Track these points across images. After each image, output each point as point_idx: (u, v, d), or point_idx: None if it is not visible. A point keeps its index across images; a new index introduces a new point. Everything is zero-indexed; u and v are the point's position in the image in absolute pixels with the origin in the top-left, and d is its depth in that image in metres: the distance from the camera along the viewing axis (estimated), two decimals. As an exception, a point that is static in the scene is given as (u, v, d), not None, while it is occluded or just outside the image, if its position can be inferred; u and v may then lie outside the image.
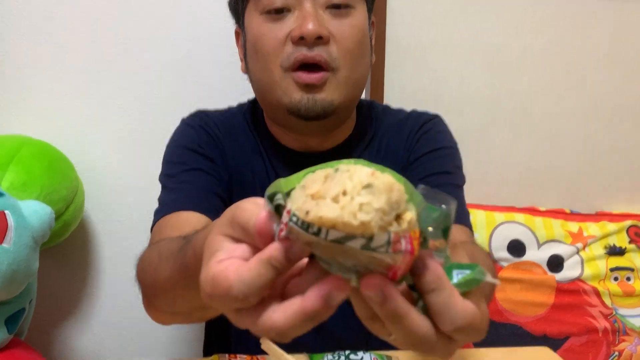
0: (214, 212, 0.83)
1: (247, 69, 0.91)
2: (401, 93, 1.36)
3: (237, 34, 0.96)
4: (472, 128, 1.39)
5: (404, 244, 0.32)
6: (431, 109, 1.34)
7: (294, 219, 0.33)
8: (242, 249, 0.38)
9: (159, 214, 0.84)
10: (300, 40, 0.80)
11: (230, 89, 1.31)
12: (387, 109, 1.03)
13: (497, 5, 1.36)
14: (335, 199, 0.31)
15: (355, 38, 0.83)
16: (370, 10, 0.90)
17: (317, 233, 0.32)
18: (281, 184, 0.37)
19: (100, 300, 1.35)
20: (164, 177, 0.91)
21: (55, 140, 1.27)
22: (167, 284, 0.59)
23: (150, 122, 1.30)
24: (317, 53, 0.80)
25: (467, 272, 0.38)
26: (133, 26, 1.28)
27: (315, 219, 0.31)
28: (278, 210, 0.36)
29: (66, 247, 1.31)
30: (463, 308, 0.36)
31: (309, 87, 0.81)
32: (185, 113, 1.26)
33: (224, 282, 0.36)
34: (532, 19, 1.37)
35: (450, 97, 1.38)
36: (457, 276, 0.38)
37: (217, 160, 0.92)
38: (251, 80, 0.91)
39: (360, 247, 0.31)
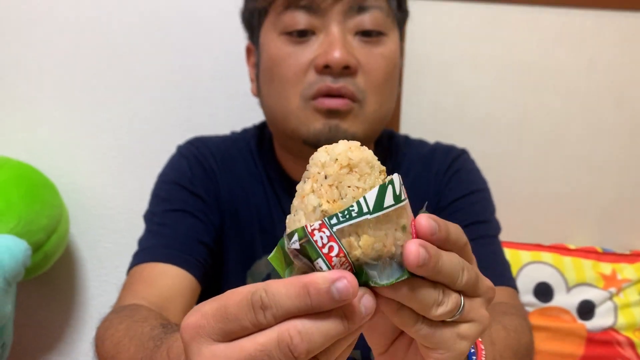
0: (195, 265, 0.75)
1: (258, 92, 0.81)
2: (420, 114, 1.24)
3: (248, 50, 0.86)
4: (497, 153, 1.26)
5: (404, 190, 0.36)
6: (454, 131, 1.23)
7: (334, 219, 0.33)
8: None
9: (135, 260, 0.76)
10: (325, 69, 0.71)
11: (232, 107, 1.19)
12: (408, 140, 0.95)
13: (529, 19, 1.23)
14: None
15: (385, 70, 0.74)
16: (402, 36, 0.80)
17: (361, 211, 0.33)
18: (282, 240, 0.35)
19: (85, 332, 1.24)
20: (148, 214, 0.83)
21: (37, 160, 1.16)
22: None
23: (142, 140, 1.19)
24: (343, 85, 0.71)
25: None
26: (123, 35, 1.16)
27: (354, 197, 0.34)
28: (304, 251, 0.33)
29: (49, 276, 1.20)
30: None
31: (332, 114, 0.72)
32: (180, 131, 1.16)
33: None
34: (567, 34, 1.24)
35: (474, 119, 1.26)
36: None
37: (209, 199, 0.82)
38: (263, 105, 0.81)
39: (393, 200, 0.34)
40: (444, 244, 0.37)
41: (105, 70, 1.17)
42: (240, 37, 1.18)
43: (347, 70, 0.71)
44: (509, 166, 1.28)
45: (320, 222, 0.33)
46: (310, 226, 0.33)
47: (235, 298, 0.32)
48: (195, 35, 1.16)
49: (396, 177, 0.35)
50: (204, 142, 0.87)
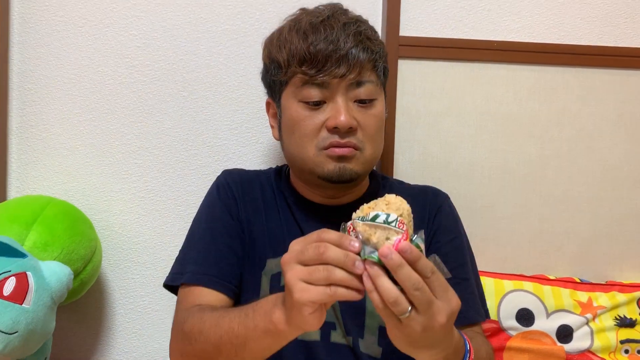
0: (230, 289, 0.98)
1: (280, 137, 1.06)
2: (411, 161, 1.40)
3: (268, 103, 1.10)
4: (481, 194, 1.41)
5: (403, 227, 0.63)
6: (441, 176, 1.39)
7: (356, 218, 0.66)
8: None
9: (184, 278, 0.99)
10: (334, 129, 0.95)
11: (245, 154, 1.36)
12: (399, 181, 1.18)
13: (506, 76, 1.41)
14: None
15: (376, 125, 1.00)
16: (385, 93, 1.05)
17: (363, 219, 0.65)
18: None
19: (112, 356, 1.37)
20: (191, 228, 1.07)
21: (77, 199, 1.33)
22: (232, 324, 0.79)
23: (166, 184, 1.36)
24: (348, 140, 0.96)
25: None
26: (155, 88, 1.35)
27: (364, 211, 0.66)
28: (343, 227, 0.69)
29: (81, 303, 1.34)
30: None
31: (341, 159, 0.96)
32: (199, 175, 1.36)
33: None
34: (540, 88, 1.41)
35: (460, 165, 1.41)
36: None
37: (233, 217, 1.05)
38: (284, 149, 1.05)
39: (382, 222, 0.63)
40: (412, 265, 0.62)
41: (135, 123, 1.35)
42: (251, 97, 1.38)
43: (350, 130, 0.96)
44: (493, 206, 1.42)
45: (353, 221, 0.67)
46: (351, 221, 0.68)
47: (311, 244, 0.67)
48: (215, 94, 1.36)
49: (393, 216, 0.64)
50: (232, 172, 1.12)
